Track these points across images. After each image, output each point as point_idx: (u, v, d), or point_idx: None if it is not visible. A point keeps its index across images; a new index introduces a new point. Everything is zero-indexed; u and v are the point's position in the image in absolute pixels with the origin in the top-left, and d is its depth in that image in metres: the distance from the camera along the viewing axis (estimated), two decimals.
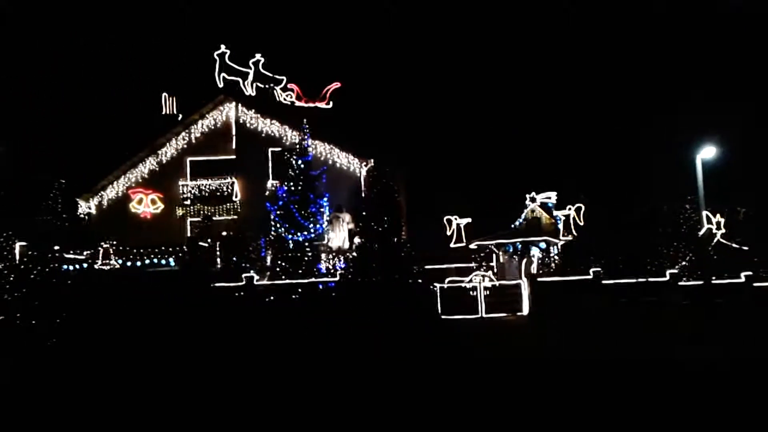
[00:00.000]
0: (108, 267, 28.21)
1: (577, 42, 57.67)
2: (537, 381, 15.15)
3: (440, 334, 23.34)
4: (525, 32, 61.06)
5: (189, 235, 32.22)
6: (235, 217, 32.77)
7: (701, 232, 29.21)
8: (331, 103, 34.85)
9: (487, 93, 56.09)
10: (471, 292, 26.93)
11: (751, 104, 42.91)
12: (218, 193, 33.13)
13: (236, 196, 33.20)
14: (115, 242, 29.45)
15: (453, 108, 54.68)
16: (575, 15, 60.29)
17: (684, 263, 28.28)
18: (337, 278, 26.05)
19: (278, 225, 27.73)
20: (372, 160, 32.00)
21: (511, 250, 30.42)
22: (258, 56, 34.27)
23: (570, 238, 30.82)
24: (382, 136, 38.20)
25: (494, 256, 31.36)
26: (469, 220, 32.25)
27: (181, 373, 17.60)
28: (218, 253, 28.52)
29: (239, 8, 64.91)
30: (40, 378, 18.01)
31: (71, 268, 26.38)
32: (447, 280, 28.29)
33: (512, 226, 31.68)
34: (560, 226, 31.25)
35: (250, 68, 34.18)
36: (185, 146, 33.99)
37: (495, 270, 30.77)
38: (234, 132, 33.91)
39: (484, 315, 26.35)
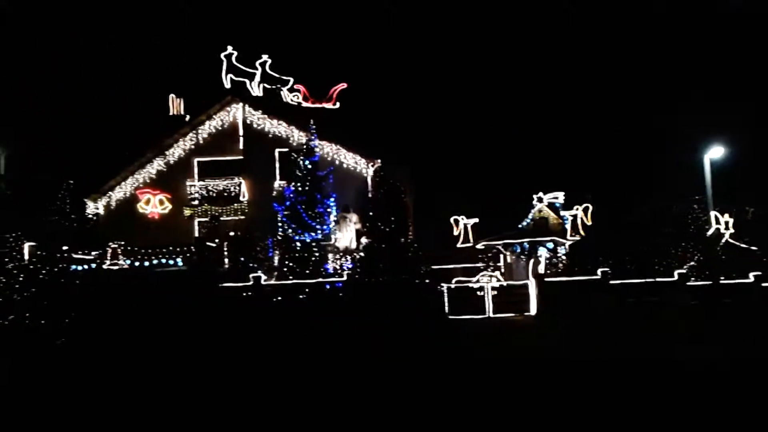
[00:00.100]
0: (116, 267, 28.31)
1: (584, 42, 57.58)
2: (545, 382, 15.12)
3: (448, 334, 23.32)
4: (531, 32, 61.06)
5: (197, 235, 32.34)
6: (243, 217, 32.83)
7: (709, 232, 29.10)
8: (337, 103, 34.90)
9: (494, 93, 56.12)
10: (478, 293, 26.89)
11: (759, 103, 42.78)
12: (226, 194, 33.20)
13: (243, 197, 33.26)
14: (123, 242, 29.54)
15: (460, 108, 54.72)
16: (576, 15, 60.21)
17: (692, 263, 28.19)
18: (344, 278, 26.07)
19: (285, 225, 27.78)
20: (379, 161, 32.07)
21: (518, 251, 30.38)
22: (265, 57, 34.34)
23: (577, 238, 30.75)
24: (389, 137, 38.28)
25: (501, 256, 31.32)
26: (476, 220, 32.23)
27: (189, 373, 17.64)
28: (226, 253, 28.57)
29: (246, 9, 65.08)
30: (48, 377, 18.07)
31: (80, 268, 26.49)
32: (454, 280, 28.27)
33: (519, 226, 31.62)
34: (568, 226, 31.18)
35: (257, 69, 34.24)
36: (193, 147, 34.09)
37: (502, 270, 30.75)
38: (241, 133, 33.98)
39: (491, 315, 26.32)
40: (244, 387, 15.68)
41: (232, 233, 29.24)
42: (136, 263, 29.06)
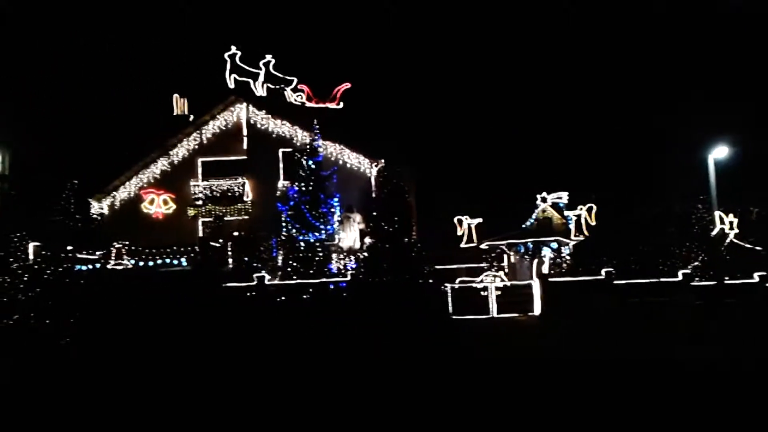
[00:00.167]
0: (120, 267, 28.37)
1: (586, 42, 57.53)
2: (548, 383, 15.11)
3: (451, 335, 23.33)
4: (533, 31, 60.97)
5: (200, 235, 32.37)
6: (247, 217, 32.85)
7: (714, 232, 29.05)
8: (341, 103, 34.90)
9: (498, 93, 56.04)
10: (482, 293, 26.90)
11: (764, 103, 42.68)
12: (229, 194, 33.21)
13: (247, 197, 33.29)
14: (127, 242, 29.60)
15: (463, 108, 54.64)
16: (577, 15, 60.21)
17: (696, 263, 28.15)
18: (347, 278, 26.10)
19: (289, 225, 27.81)
20: (382, 161, 32.06)
21: (522, 251, 30.37)
22: (268, 57, 34.35)
23: (581, 238, 30.71)
24: (393, 137, 38.24)
25: (505, 256, 31.31)
26: (480, 220, 32.22)
27: (193, 373, 17.67)
28: (230, 253, 28.63)
29: (249, 9, 65.16)
30: (53, 377, 18.12)
31: (84, 268, 26.55)
32: (458, 280, 28.28)
33: (523, 226, 31.61)
34: (571, 226, 31.14)
35: (261, 69, 34.27)
36: (196, 147, 34.12)
37: (506, 270, 30.74)
38: (245, 133, 34.01)
39: (495, 315, 26.32)
40: (248, 386, 15.70)
41: (236, 233, 29.27)
42: (141, 263, 29.12)
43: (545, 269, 29.45)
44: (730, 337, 21.17)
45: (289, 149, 33.08)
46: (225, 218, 31.96)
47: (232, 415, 12.62)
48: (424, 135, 45.96)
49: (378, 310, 23.29)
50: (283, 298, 25.17)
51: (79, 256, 26.54)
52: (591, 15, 55.91)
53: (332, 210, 28.57)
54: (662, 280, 25.80)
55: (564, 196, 31.93)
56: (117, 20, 63.53)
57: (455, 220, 32.50)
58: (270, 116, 33.86)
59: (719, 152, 30.59)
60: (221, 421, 12.09)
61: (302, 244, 27.39)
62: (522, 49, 57.17)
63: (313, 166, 28.48)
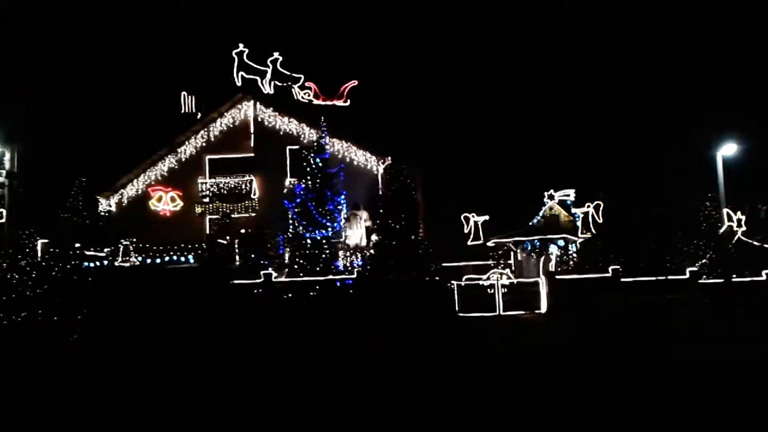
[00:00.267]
0: (128, 264, 28.50)
1: (589, 41, 57.34)
2: (555, 382, 15.09)
3: (458, 332, 23.30)
4: (540, 31, 60.83)
5: (208, 232, 32.50)
6: (254, 214, 32.94)
7: (722, 230, 28.94)
8: (348, 101, 34.93)
9: (506, 90, 55.93)
10: (489, 290, 26.87)
11: None
12: (237, 191, 33.30)
13: (254, 194, 33.36)
14: (134, 240, 29.74)
15: (470, 105, 54.60)
16: (581, 16, 59.98)
17: (704, 261, 28.05)
18: (354, 276, 26.12)
19: (296, 222, 27.85)
20: (389, 158, 32.05)
21: (529, 248, 30.30)
22: (276, 54, 34.41)
23: (588, 235, 30.63)
24: (400, 134, 38.18)
25: (512, 253, 31.26)
26: (487, 217, 32.18)
27: (201, 369, 17.73)
28: (237, 250, 28.71)
29: (257, 7, 65.21)
30: (61, 374, 18.22)
31: (92, 265, 26.69)
32: (464, 277, 28.26)
33: (530, 223, 31.56)
34: (579, 223, 31.07)
35: (268, 67, 34.33)
36: (204, 144, 34.22)
37: (513, 268, 30.69)
38: (252, 130, 34.09)
39: (502, 313, 26.29)
40: (255, 384, 15.75)
41: (243, 230, 29.38)
42: (148, 260, 29.27)
43: (552, 267, 29.39)
44: (738, 335, 21.07)
45: (296, 146, 33.16)
46: (232, 215, 32.04)
47: (239, 413, 12.66)
48: (431, 132, 45.90)
49: (384, 307, 23.29)
50: (289, 295, 25.22)
51: (87, 253, 26.69)
52: (593, 15, 55.79)
53: (339, 207, 28.60)
54: (670, 277, 25.70)
55: (571, 194, 31.85)
56: (125, 19, 63.72)
57: (462, 217, 32.48)
58: (277, 114, 33.92)
59: (727, 150, 30.43)
60: (228, 419, 12.14)
61: (309, 241, 27.43)
62: (528, 47, 57.09)
63: (320, 164, 28.51)
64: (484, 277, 28.73)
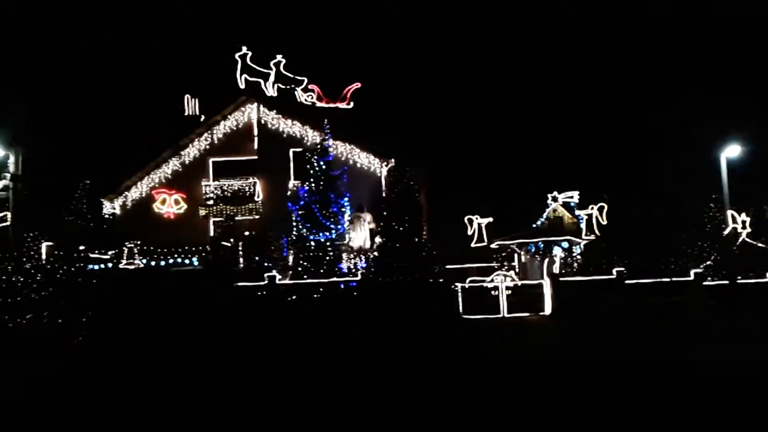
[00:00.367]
0: (132, 266, 28.54)
1: (590, 42, 57.33)
2: (559, 384, 15.07)
3: (461, 334, 23.29)
4: (543, 32, 60.82)
5: (212, 234, 32.53)
6: (257, 216, 32.96)
7: (726, 232, 28.89)
8: (351, 103, 34.93)
9: (508, 92, 55.96)
10: (493, 292, 26.87)
11: None
12: (240, 193, 33.33)
13: (258, 196, 33.39)
14: (138, 242, 29.78)
15: (474, 107, 54.60)
16: (582, 16, 59.98)
17: (709, 263, 27.99)
18: (358, 278, 26.14)
19: (300, 225, 27.88)
20: (392, 160, 32.07)
21: (533, 250, 30.29)
22: (279, 57, 34.44)
23: (592, 237, 30.60)
24: (403, 136, 38.25)
25: (516, 255, 31.24)
26: (491, 219, 32.17)
27: (205, 371, 17.74)
28: (241, 252, 28.73)
29: (260, 10, 65.32)
30: (66, 376, 18.24)
31: (96, 267, 26.74)
32: (468, 279, 28.25)
33: (534, 225, 31.54)
34: (582, 225, 31.03)
35: (271, 69, 34.35)
36: (208, 147, 34.26)
37: (517, 270, 30.68)
38: (256, 132, 34.11)
39: (506, 315, 26.28)
40: (259, 385, 15.75)
41: (246, 233, 29.39)
42: (152, 263, 29.32)
43: (556, 269, 29.38)
44: (744, 336, 21.01)
45: (300, 149, 33.15)
46: (236, 218, 32.09)
47: (243, 415, 12.68)
48: (435, 134, 45.94)
49: (388, 309, 23.30)
50: (293, 297, 25.24)
51: (91, 255, 26.75)
52: (593, 16, 55.77)
53: (342, 209, 28.62)
54: (674, 279, 25.69)
55: (575, 196, 31.83)
56: (129, 21, 63.86)
57: (466, 219, 32.47)
58: (280, 116, 33.94)
59: (731, 151, 30.38)
60: (232, 420, 12.15)
61: (313, 243, 27.46)
62: (530, 49, 57.07)
63: (323, 166, 28.54)
64: (488, 279, 28.71)
